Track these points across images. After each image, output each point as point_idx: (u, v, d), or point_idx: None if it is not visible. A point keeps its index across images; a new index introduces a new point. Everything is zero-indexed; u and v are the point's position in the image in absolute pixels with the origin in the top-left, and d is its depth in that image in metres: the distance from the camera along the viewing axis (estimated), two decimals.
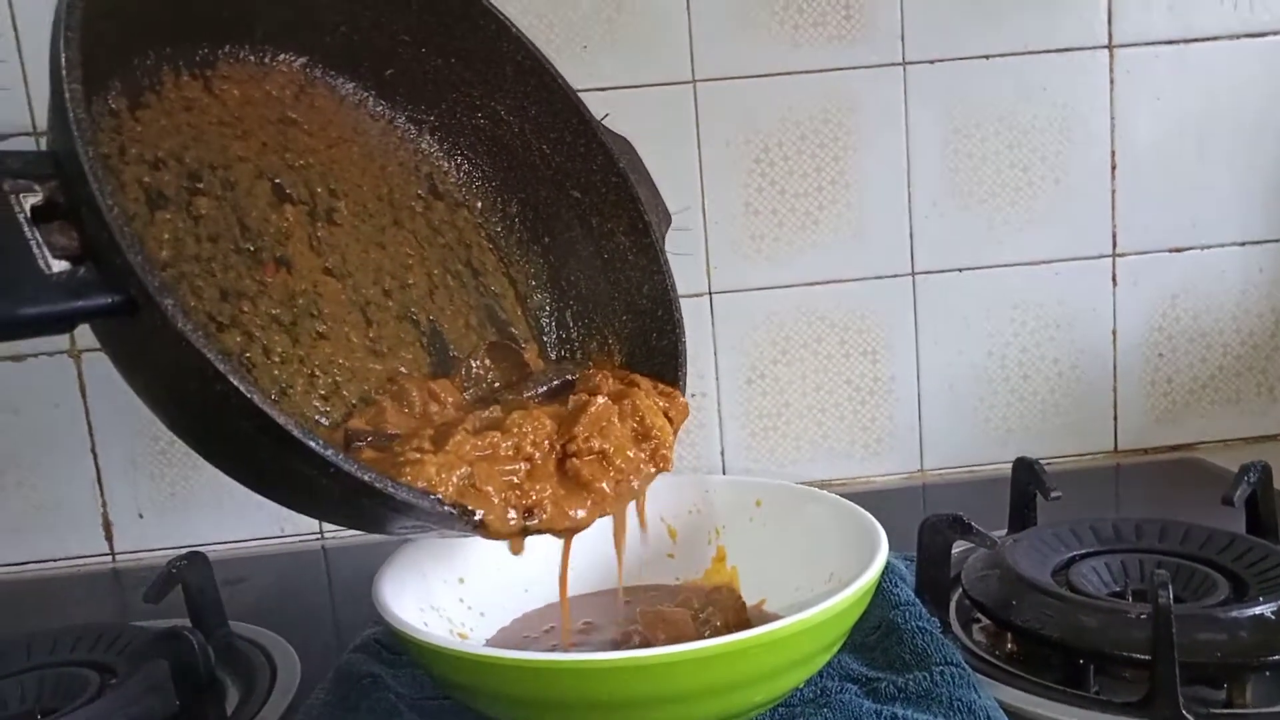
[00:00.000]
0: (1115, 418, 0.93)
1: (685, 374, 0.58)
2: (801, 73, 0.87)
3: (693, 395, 0.90)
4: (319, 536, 0.91)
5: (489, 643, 0.53)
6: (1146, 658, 0.49)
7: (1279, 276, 0.92)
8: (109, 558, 0.90)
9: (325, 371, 0.54)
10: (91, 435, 0.88)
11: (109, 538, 0.90)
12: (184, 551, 0.66)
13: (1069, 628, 0.52)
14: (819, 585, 0.53)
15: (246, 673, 0.62)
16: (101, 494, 0.89)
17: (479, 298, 0.63)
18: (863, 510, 0.52)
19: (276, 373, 0.52)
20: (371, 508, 0.41)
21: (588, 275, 0.64)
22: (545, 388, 0.59)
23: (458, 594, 0.55)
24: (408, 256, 0.61)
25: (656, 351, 0.60)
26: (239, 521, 0.90)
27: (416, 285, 0.61)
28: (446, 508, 0.42)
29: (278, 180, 0.56)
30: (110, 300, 0.36)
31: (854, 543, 0.52)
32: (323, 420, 0.53)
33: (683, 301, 0.86)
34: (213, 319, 0.50)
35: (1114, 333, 0.92)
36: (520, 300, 0.64)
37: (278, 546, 0.90)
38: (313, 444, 0.37)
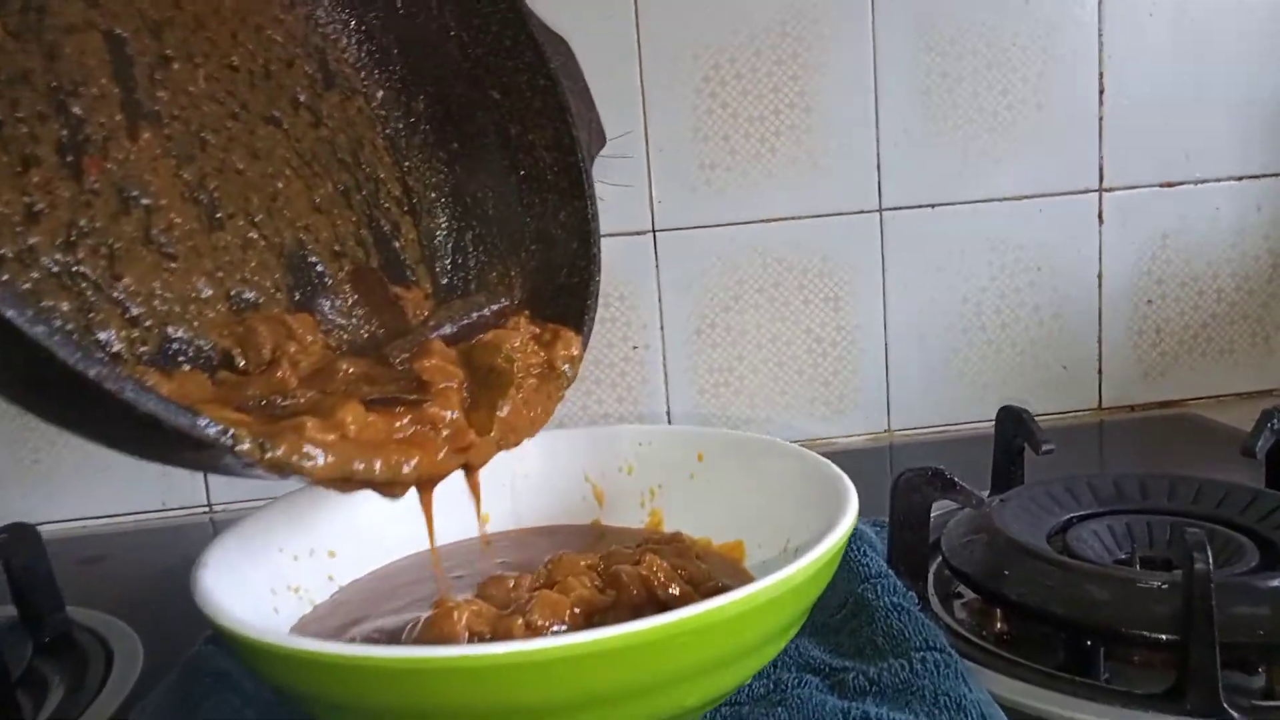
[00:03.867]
0: (1100, 371, 0.85)
1: (591, 320, 0.48)
2: None
3: (634, 347, 0.80)
4: (207, 509, 0.79)
5: (316, 608, 0.42)
6: (1174, 638, 0.39)
7: (1278, 215, 0.84)
8: None
9: (145, 302, 0.43)
10: None
11: None
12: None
13: (1075, 602, 0.43)
14: (773, 555, 0.43)
15: (77, 667, 0.51)
16: None
17: (364, 212, 0.52)
18: (827, 462, 0.43)
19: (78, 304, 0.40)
20: (105, 420, 0.30)
21: (497, 193, 0.53)
22: (436, 336, 0.47)
23: (326, 569, 0.45)
24: (278, 150, 0.49)
25: (564, 291, 0.50)
26: (112, 493, 0.78)
27: (286, 190, 0.49)
28: (205, 427, 0.32)
29: (116, 31, 0.44)
30: None
31: (816, 501, 0.42)
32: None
33: (623, 240, 0.77)
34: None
35: (1099, 277, 0.83)
36: (413, 216, 0.53)
37: (157, 521, 0.78)
38: (9, 311, 0.26)
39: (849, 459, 0.45)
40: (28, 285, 0.39)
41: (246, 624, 0.30)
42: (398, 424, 0.38)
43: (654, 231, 0.79)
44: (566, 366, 0.43)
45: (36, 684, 0.50)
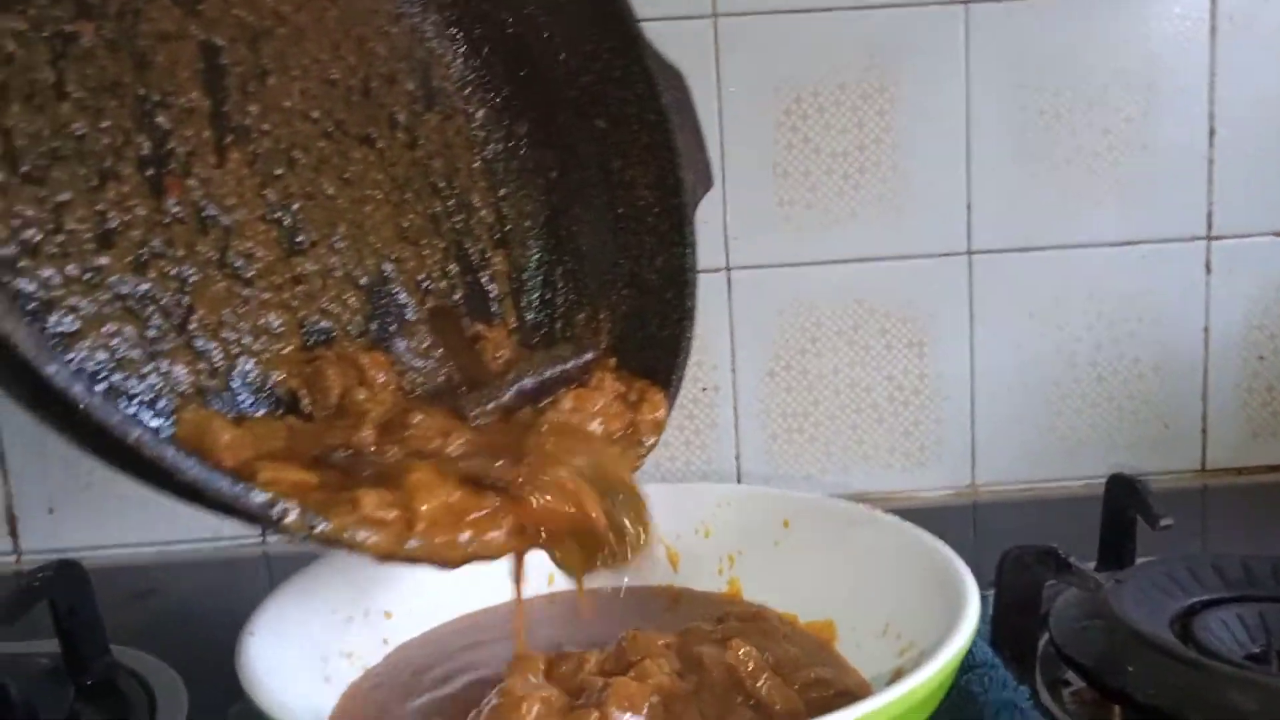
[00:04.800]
0: (1204, 430, 0.79)
1: (680, 378, 0.45)
2: (843, 9, 0.73)
3: (704, 389, 0.76)
4: (261, 542, 0.77)
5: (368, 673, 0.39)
6: None
7: None
8: (13, 557, 0.77)
9: (215, 334, 0.40)
10: None
11: (13, 534, 0.76)
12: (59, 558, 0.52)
13: (1212, 708, 0.38)
14: (869, 638, 0.39)
15: (119, 714, 0.48)
16: (6, 483, 0.76)
17: (453, 240, 0.49)
18: (935, 540, 0.38)
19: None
20: (146, 478, 0.28)
21: (592, 229, 0.50)
22: (516, 390, 0.44)
23: (381, 633, 0.41)
24: (370, 173, 0.47)
25: (653, 342, 0.47)
26: (166, 521, 0.76)
27: (373, 216, 0.47)
28: (251, 498, 0.29)
29: (212, 40, 0.42)
30: None
31: (919, 582, 0.38)
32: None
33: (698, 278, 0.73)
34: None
35: (1206, 330, 0.77)
36: (504, 246, 0.51)
37: (210, 552, 0.76)
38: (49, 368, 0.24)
39: (929, 516, 0.41)
40: (92, 308, 0.37)
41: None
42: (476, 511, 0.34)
43: (728, 269, 0.75)
44: (650, 434, 0.40)
45: None
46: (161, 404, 0.38)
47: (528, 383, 0.43)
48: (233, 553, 0.76)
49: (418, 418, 0.37)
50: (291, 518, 0.30)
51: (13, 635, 0.51)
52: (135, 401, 0.37)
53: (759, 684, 0.34)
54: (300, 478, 0.32)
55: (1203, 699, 0.39)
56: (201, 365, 0.40)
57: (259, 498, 0.29)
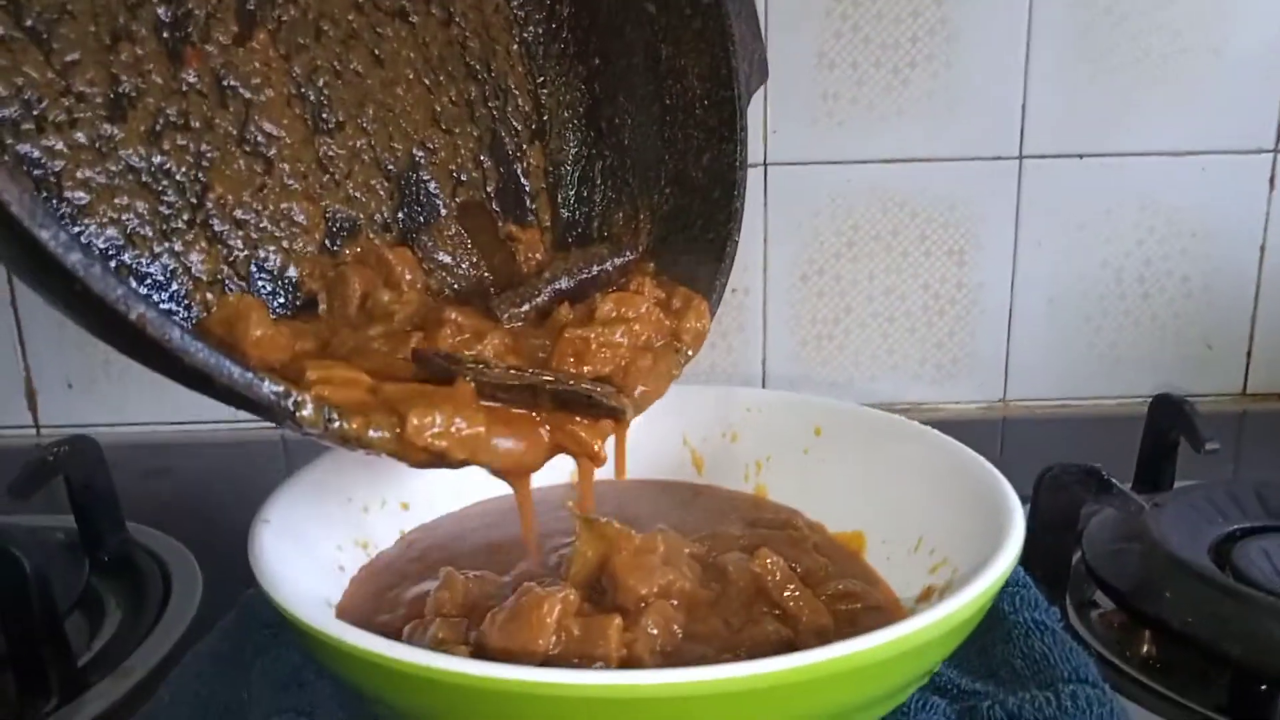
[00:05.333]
0: (1249, 353, 0.76)
1: (724, 286, 0.43)
2: None
3: (733, 290, 0.74)
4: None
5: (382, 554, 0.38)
6: None
7: None
8: (33, 430, 0.77)
9: (232, 217, 0.38)
10: (11, 288, 0.73)
11: (33, 409, 0.76)
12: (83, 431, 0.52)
13: (1254, 640, 0.37)
14: (901, 553, 0.38)
15: (134, 591, 0.48)
16: (24, 359, 0.75)
17: (488, 127, 0.46)
18: (978, 457, 0.36)
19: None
20: (151, 360, 0.26)
21: (636, 122, 0.47)
22: (552, 290, 0.41)
23: (398, 523, 0.40)
24: (403, 50, 0.44)
25: (696, 246, 0.44)
26: (184, 399, 0.75)
27: (405, 97, 0.44)
28: (262, 388, 0.27)
29: None
30: None
31: (956, 498, 0.36)
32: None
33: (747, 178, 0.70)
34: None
35: (1262, 249, 0.74)
36: (541, 137, 0.48)
37: (228, 433, 0.76)
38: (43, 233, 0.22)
39: (956, 429, 0.39)
40: (102, 179, 0.35)
41: (304, 611, 0.26)
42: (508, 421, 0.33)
43: (765, 165, 0.72)
44: (692, 344, 0.38)
45: (93, 605, 0.47)
46: (175, 287, 0.37)
47: (564, 282, 0.40)
48: (251, 434, 0.75)
49: (452, 315, 0.35)
50: (306, 411, 0.29)
51: (31, 509, 0.50)
52: (147, 283, 0.36)
53: (785, 595, 0.33)
54: (349, 375, 0.31)
55: (1241, 630, 0.37)
56: (219, 249, 0.38)
57: (270, 387, 0.28)
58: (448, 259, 0.45)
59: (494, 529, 0.43)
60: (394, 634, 0.32)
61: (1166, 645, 0.41)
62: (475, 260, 0.46)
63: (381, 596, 0.36)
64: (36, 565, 0.38)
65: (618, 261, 0.43)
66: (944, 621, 0.25)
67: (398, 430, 0.30)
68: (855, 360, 0.75)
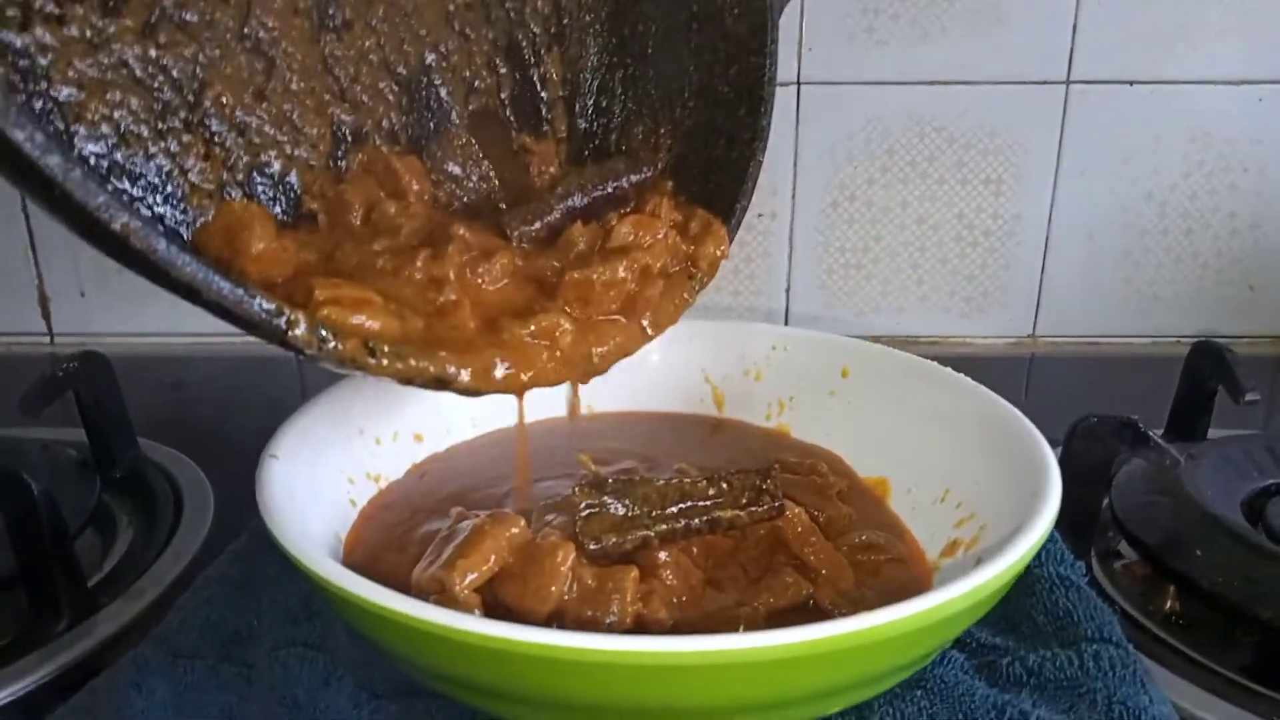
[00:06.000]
0: None
1: (745, 209, 0.40)
2: None
3: (760, 215, 0.72)
4: None
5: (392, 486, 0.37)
6: None
7: None
8: (47, 338, 0.76)
9: (231, 119, 0.36)
10: (22, 194, 0.72)
11: (46, 316, 0.75)
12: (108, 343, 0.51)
13: None
14: (926, 502, 0.37)
15: (146, 508, 0.48)
16: (36, 265, 0.74)
17: (504, 30, 0.44)
18: (1014, 410, 0.35)
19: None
20: (140, 269, 0.25)
21: (662, 29, 0.44)
22: (566, 207, 0.39)
23: (410, 455, 0.39)
24: None
25: (717, 166, 0.42)
26: (197, 311, 0.75)
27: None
28: (251, 304, 0.26)
29: None
30: None
31: (991, 457, 0.35)
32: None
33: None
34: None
35: None
36: (560, 41, 0.45)
37: (241, 347, 0.75)
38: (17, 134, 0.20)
39: (983, 364, 0.37)
40: (94, 73, 0.33)
41: (308, 556, 0.25)
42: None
43: (798, 84, 0.69)
44: (707, 272, 0.36)
45: (106, 522, 0.47)
46: (171, 190, 0.35)
47: (577, 199, 0.38)
48: (264, 349, 0.74)
49: (460, 231, 0.34)
50: (299, 331, 0.27)
51: (45, 421, 0.50)
52: (140, 184, 0.34)
53: (806, 549, 0.32)
54: (359, 294, 0.29)
55: (1272, 592, 0.36)
56: (217, 152, 0.36)
57: (262, 305, 0.26)
58: (457, 170, 0.43)
59: (507, 460, 0.42)
60: (404, 575, 0.32)
61: (1192, 602, 0.40)
62: (486, 173, 0.44)
63: (390, 533, 0.35)
64: (45, 489, 0.37)
65: (635, 179, 0.41)
66: (977, 591, 0.24)
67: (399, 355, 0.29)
68: (883, 291, 0.73)
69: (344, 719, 0.31)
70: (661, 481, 0.31)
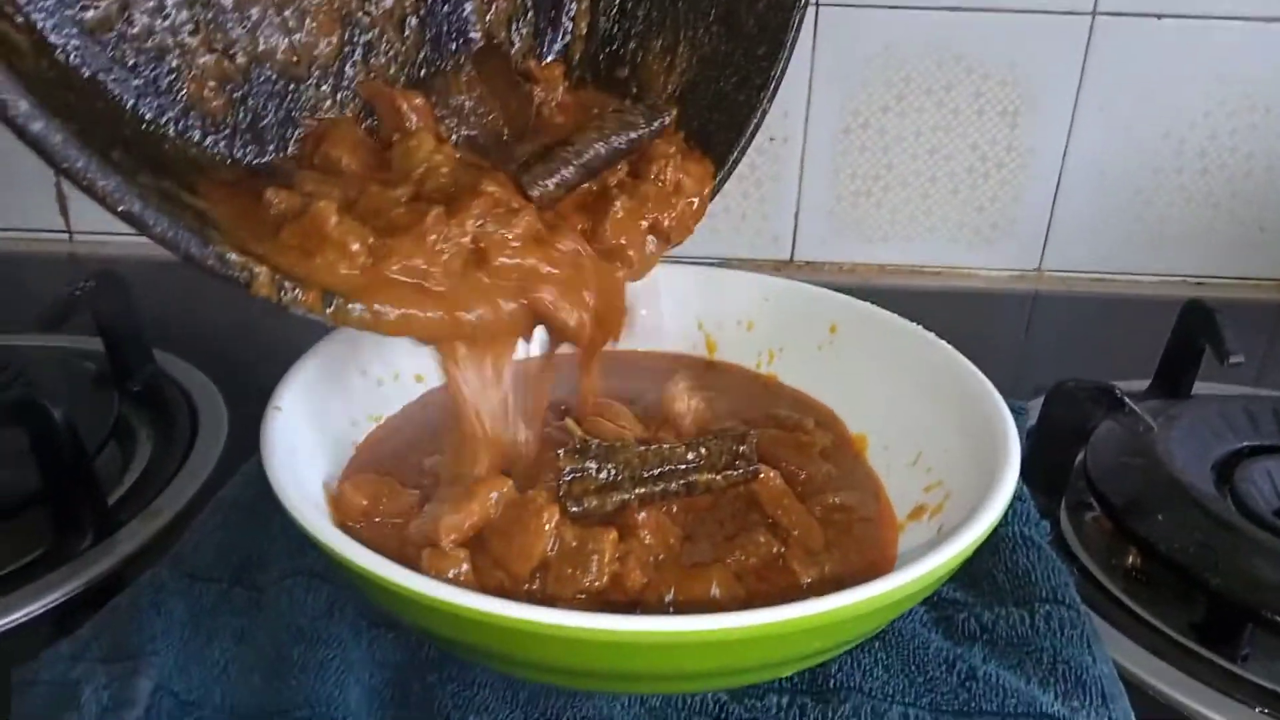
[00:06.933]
0: None
1: (738, 161, 0.40)
2: None
3: (771, 139, 0.71)
4: None
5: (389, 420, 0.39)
6: None
7: None
8: (65, 235, 0.77)
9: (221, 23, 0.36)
10: None
11: (64, 213, 0.77)
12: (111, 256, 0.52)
13: (1236, 575, 0.38)
14: (900, 462, 0.38)
15: (163, 421, 0.50)
16: None
17: None
18: (986, 381, 0.36)
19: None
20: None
21: None
22: (579, 167, 0.39)
23: (412, 394, 0.41)
24: None
25: (723, 102, 0.41)
26: None
27: None
28: (208, 258, 0.27)
29: None
30: None
31: (959, 424, 0.36)
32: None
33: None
34: None
35: None
36: None
37: None
38: None
39: (988, 299, 0.38)
40: None
41: (316, 525, 0.27)
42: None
43: (817, 4, 0.67)
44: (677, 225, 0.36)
45: (126, 435, 0.50)
46: (174, 59, 0.35)
47: (596, 150, 0.38)
48: None
49: (490, 188, 0.34)
50: (261, 287, 0.28)
51: (75, 326, 0.51)
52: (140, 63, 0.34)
53: (778, 509, 0.34)
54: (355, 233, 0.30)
55: (1226, 563, 0.38)
56: (218, 38, 0.36)
57: (216, 260, 0.27)
58: (462, 102, 0.43)
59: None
60: (401, 526, 0.34)
61: (1151, 563, 0.42)
62: (488, 108, 0.44)
63: (394, 465, 0.37)
64: (66, 414, 0.39)
65: (651, 130, 0.41)
66: (934, 573, 0.26)
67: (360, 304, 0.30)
68: (892, 219, 0.73)
69: (345, 647, 0.34)
70: (642, 448, 0.33)
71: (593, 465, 0.32)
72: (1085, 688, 0.33)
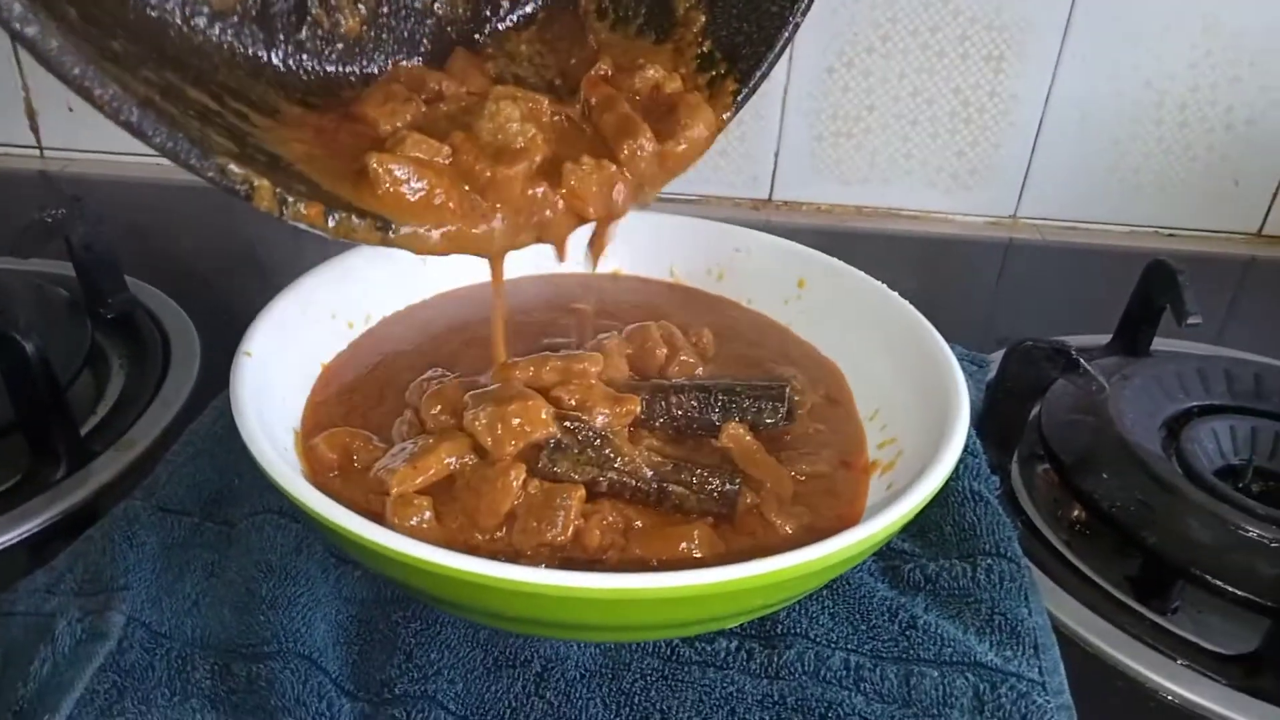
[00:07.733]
0: (1276, 195, 0.73)
1: (764, 78, 0.39)
2: None
3: None
4: None
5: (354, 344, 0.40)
6: (1273, 605, 0.36)
7: None
8: (36, 152, 0.76)
9: None
10: None
11: (34, 129, 0.75)
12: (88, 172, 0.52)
13: (1170, 535, 0.40)
14: (860, 422, 0.39)
15: (135, 350, 0.51)
16: (21, 74, 0.73)
17: None
18: (943, 344, 0.37)
19: None
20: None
21: None
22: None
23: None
24: None
25: (755, 11, 0.39)
26: None
27: None
28: (208, 170, 0.27)
29: None
30: None
31: (916, 384, 0.37)
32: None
33: None
34: None
35: None
36: None
37: None
38: None
39: (957, 247, 0.39)
40: None
41: (285, 476, 0.28)
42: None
43: None
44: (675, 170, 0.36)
45: (99, 363, 0.50)
46: None
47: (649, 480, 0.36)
48: None
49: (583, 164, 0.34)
50: (263, 201, 0.28)
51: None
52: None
53: (749, 463, 0.35)
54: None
55: (1162, 524, 0.40)
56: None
57: (216, 172, 0.27)
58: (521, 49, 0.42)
59: (470, 313, 0.44)
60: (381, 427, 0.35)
61: (1093, 519, 0.43)
62: (546, 60, 0.42)
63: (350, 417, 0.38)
64: (39, 347, 0.39)
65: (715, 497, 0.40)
66: (884, 531, 0.27)
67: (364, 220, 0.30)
68: (871, 161, 0.73)
69: (312, 583, 0.35)
70: (638, 454, 0.33)
71: (576, 447, 0.33)
72: (1019, 638, 0.35)
